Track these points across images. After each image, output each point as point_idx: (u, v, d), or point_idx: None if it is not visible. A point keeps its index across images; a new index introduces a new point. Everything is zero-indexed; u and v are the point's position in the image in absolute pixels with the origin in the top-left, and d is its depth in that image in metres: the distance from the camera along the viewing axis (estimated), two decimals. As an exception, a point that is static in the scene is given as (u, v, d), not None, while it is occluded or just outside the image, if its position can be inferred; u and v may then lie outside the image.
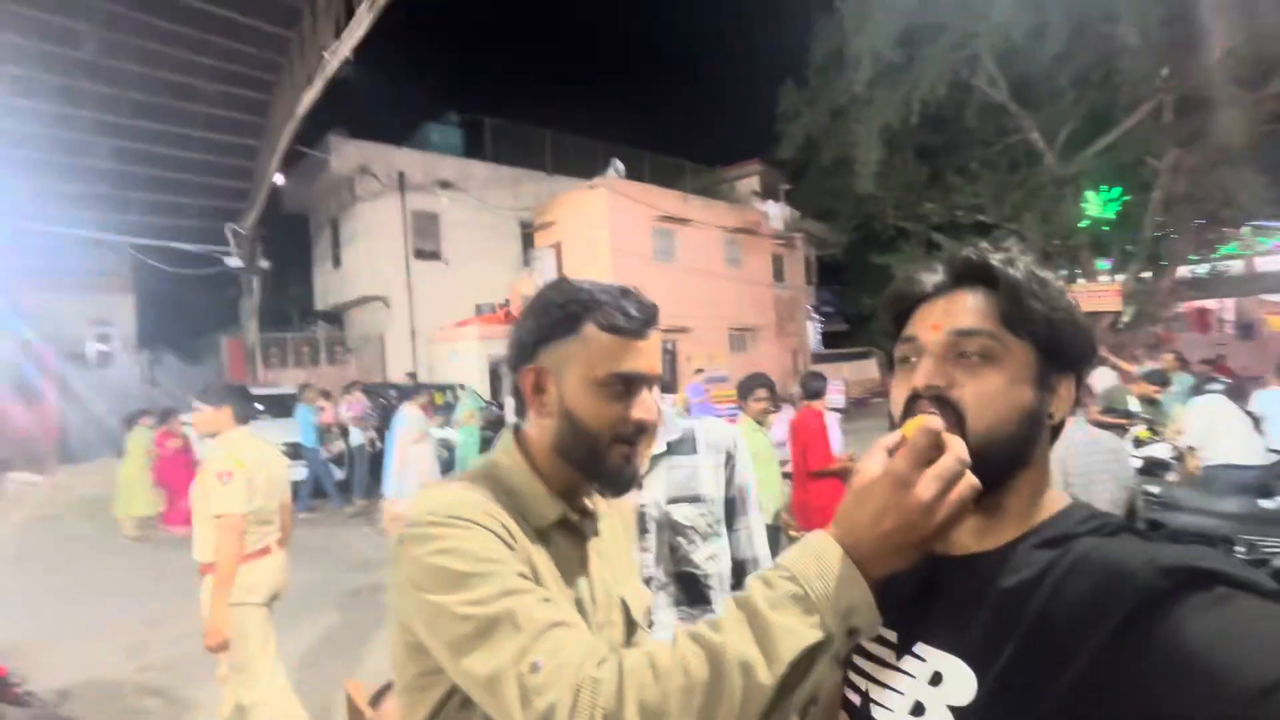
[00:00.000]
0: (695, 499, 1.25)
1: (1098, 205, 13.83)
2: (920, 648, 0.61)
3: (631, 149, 18.62)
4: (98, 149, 10.27)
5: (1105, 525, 0.57)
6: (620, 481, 0.79)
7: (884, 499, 0.53)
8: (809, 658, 0.52)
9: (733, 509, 1.29)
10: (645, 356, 0.77)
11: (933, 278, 0.65)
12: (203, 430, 2.64)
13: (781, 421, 4.97)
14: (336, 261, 16.15)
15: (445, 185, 15.67)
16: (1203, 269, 14.75)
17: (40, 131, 9.50)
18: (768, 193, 21.17)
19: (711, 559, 1.25)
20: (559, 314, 0.77)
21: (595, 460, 0.77)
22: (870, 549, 0.53)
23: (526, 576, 0.66)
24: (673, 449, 1.29)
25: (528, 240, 17.25)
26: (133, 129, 10.19)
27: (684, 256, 16.68)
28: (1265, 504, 3.41)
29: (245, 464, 2.47)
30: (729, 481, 1.29)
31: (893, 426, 0.61)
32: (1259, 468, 3.87)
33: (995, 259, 0.62)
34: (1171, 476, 4.51)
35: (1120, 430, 5.22)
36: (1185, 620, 0.44)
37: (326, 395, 8.63)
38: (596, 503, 0.87)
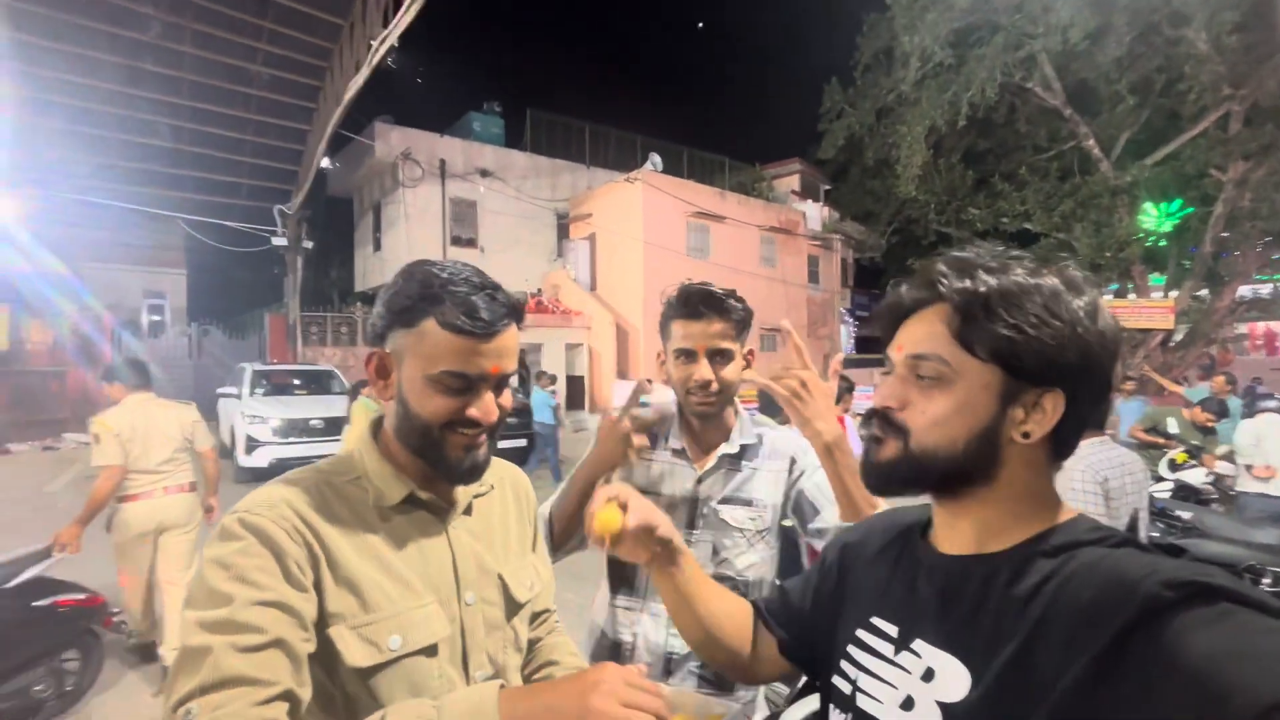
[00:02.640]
0: (748, 503, 1.25)
1: (1156, 218, 13.22)
2: (918, 644, 0.62)
3: (670, 144, 18.57)
4: (156, 128, 10.71)
5: (1110, 537, 0.58)
6: (459, 471, 0.78)
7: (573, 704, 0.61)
8: None
9: (801, 508, 1.28)
10: (488, 358, 0.75)
11: (911, 294, 0.66)
12: (111, 400, 3.20)
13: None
14: (377, 245, 16.54)
15: (485, 174, 15.89)
16: (1265, 289, 13.98)
17: (103, 109, 9.95)
18: (807, 192, 20.86)
19: (751, 567, 1.25)
20: (404, 303, 0.75)
21: (431, 449, 0.77)
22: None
23: (277, 604, 0.65)
24: (743, 453, 1.29)
25: (563, 231, 17.38)
26: (190, 110, 10.60)
27: (718, 253, 16.57)
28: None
29: (111, 427, 3.02)
30: (791, 485, 1.29)
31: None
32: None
33: (950, 280, 0.61)
34: (1212, 504, 4.33)
35: (1156, 451, 5.03)
36: (1187, 633, 0.44)
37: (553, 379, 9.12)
38: (484, 477, 0.85)
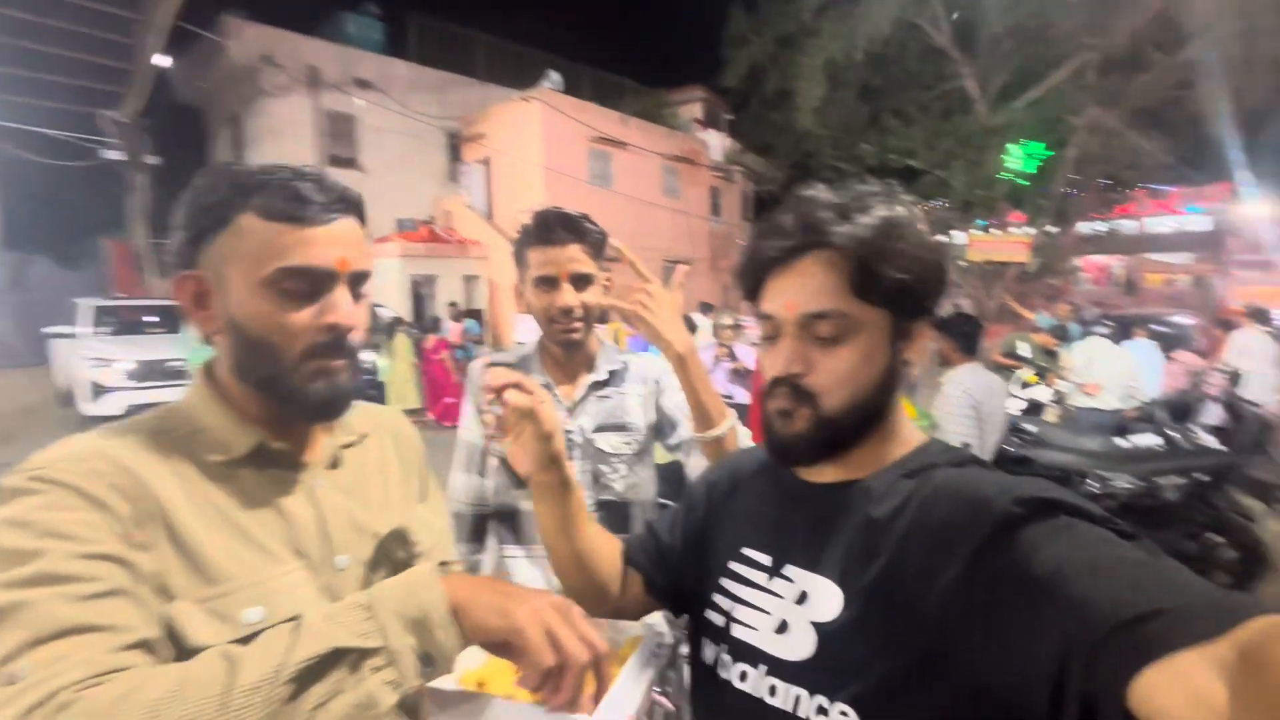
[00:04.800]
0: (621, 427, 1.26)
1: (1019, 159, 14.38)
2: (790, 570, 0.64)
3: (570, 62, 17.54)
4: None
5: (955, 458, 0.63)
6: (317, 405, 0.66)
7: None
8: (331, 660, 0.51)
9: (660, 425, 1.31)
10: (331, 247, 0.63)
11: (782, 243, 0.62)
12: None
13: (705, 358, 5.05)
14: (239, 162, 14.65)
15: (363, 85, 14.30)
16: (1103, 226, 15.81)
17: None
18: (710, 121, 20.67)
19: (633, 488, 1.26)
20: (211, 200, 0.63)
21: (280, 381, 0.64)
22: (469, 596, 0.57)
23: (110, 557, 0.53)
24: (610, 379, 1.29)
25: (455, 153, 16.22)
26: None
27: (621, 182, 16.21)
28: (1120, 443, 3.81)
29: None
30: (657, 408, 1.30)
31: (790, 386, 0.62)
32: (1117, 411, 4.32)
33: (834, 225, 0.59)
34: (1048, 416, 4.97)
35: (1010, 372, 5.67)
36: (1036, 546, 0.47)
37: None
38: (355, 425, 0.76)
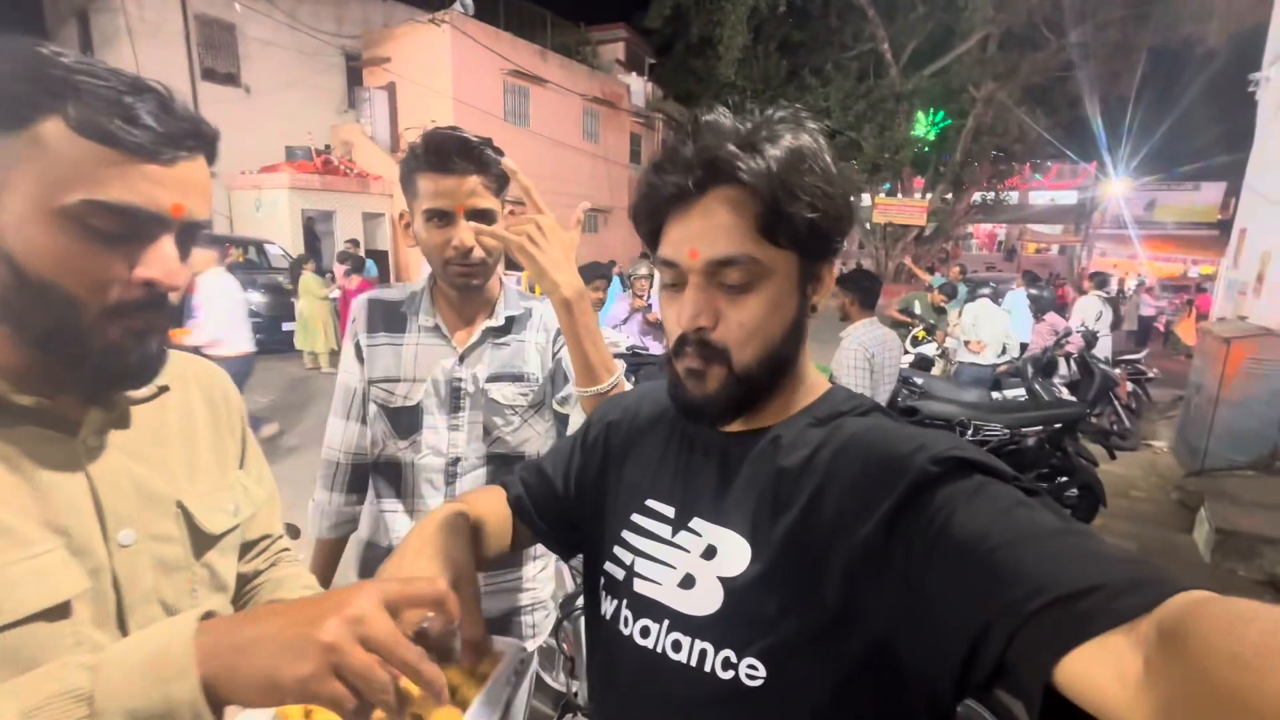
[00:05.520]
0: (518, 377, 1.17)
1: (925, 126, 15.10)
2: (697, 522, 0.61)
3: (485, -15, 16.30)
4: None
5: (861, 405, 0.61)
6: (117, 376, 0.55)
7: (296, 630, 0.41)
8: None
9: (554, 378, 1.22)
10: (166, 189, 0.51)
11: (681, 179, 0.55)
12: None
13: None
14: (55, 48, 12.62)
15: (244, -12, 12.63)
16: (991, 196, 17.05)
17: None
18: (632, 64, 20.06)
19: (526, 442, 1.19)
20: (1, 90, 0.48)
21: (72, 339, 0.51)
22: (229, 667, 0.41)
23: None
24: (509, 325, 1.19)
25: (355, 77, 14.80)
26: None
27: (538, 121, 15.51)
28: (996, 395, 4.20)
29: None
30: (554, 357, 1.22)
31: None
32: (993, 366, 4.76)
33: (745, 161, 0.53)
34: (935, 370, 5.40)
35: (906, 329, 6.08)
36: (954, 508, 0.46)
37: None
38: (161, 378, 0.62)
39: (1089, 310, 6.21)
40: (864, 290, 2.81)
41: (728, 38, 13.32)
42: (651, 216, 0.59)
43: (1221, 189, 21.89)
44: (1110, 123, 15.13)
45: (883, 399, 2.74)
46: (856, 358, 2.63)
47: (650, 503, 0.66)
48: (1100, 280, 6.91)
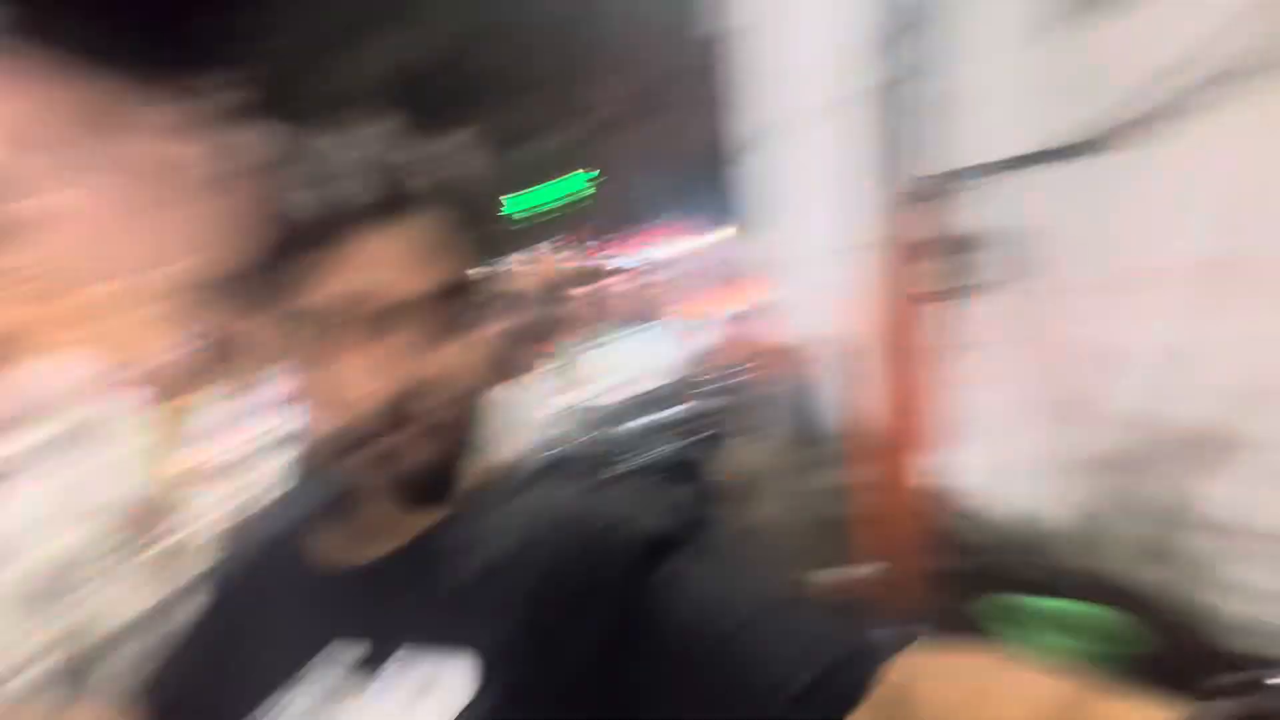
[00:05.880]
0: None
1: (537, 199, 16.82)
2: (401, 655, 0.49)
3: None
4: None
5: (540, 471, 0.57)
6: None
7: None
8: None
9: None
10: None
11: (349, 205, 0.49)
12: None
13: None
14: None
15: None
16: (614, 256, 19.80)
17: None
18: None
19: None
20: None
21: None
22: None
23: None
24: None
25: None
26: None
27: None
28: (631, 426, 4.71)
29: None
30: None
31: None
32: (612, 406, 5.42)
33: (416, 186, 0.50)
34: (577, 418, 5.86)
35: (551, 380, 6.49)
36: (670, 607, 0.43)
37: None
38: None
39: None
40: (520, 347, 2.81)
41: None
42: (292, 250, 0.49)
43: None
44: (688, 188, 19.10)
45: (529, 453, 2.76)
46: (506, 415, 2.61)
47: (315, 662, 0.53)
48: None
